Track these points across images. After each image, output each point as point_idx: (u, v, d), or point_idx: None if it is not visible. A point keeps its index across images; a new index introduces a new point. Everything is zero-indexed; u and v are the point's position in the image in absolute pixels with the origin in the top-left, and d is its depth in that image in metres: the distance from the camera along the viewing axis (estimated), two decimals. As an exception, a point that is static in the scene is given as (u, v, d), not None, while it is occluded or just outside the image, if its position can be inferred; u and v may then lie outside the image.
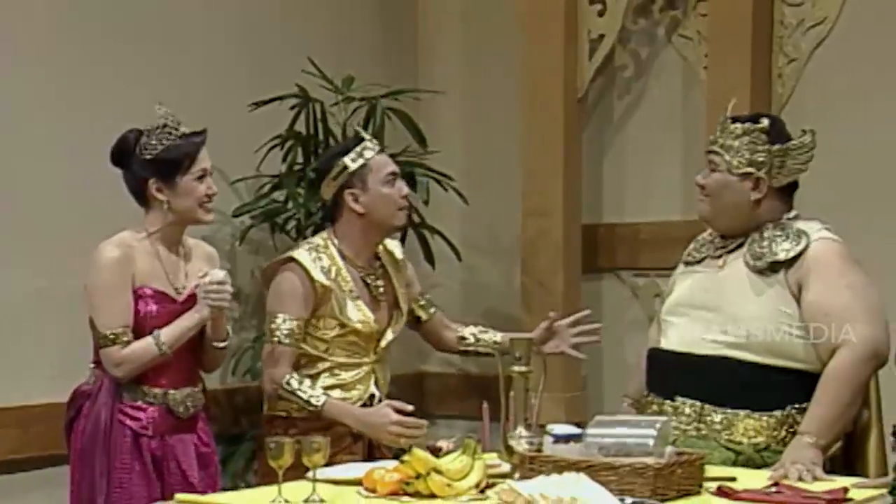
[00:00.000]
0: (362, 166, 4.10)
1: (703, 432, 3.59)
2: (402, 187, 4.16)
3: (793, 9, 5.03)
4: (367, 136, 4.21)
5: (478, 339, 4.36)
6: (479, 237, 5.68)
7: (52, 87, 4.56)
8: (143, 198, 3.85)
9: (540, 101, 5.32)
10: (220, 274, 3.84)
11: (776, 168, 3.66)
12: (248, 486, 4.98)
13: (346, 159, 4.11)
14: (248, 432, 4.93)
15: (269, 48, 5.21)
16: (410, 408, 4.04)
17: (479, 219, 5.60)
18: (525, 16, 5.35)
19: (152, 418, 3.80)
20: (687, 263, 3.84)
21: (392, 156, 5.08)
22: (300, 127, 5.01)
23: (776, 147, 3.66)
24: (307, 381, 4.03)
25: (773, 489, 3.22)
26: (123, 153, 3.84)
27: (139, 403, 3.80)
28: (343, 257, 4.09)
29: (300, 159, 5.01)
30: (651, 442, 3.08)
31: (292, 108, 5.02)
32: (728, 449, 3.56)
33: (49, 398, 4.28)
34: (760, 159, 3.65)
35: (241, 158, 5.04)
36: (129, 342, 3.75)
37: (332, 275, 4.05)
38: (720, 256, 3.73)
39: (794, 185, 3.75)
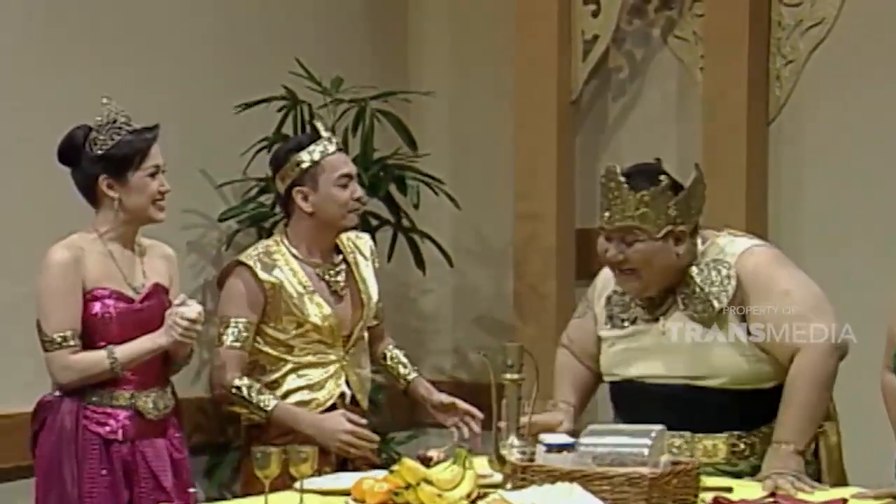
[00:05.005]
0: (314, 164, 4.09)
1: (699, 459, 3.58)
2: (356, 190, 4.14)
3: (790, 9, 5.04)
4: (324, 134, 4.19)
5: (396, 364, 4.36)
6: (470, 242, 5.68)
7: (30, 88, 4.55)
8: (93, 196, 3.82)
9: (533, 103, 5.33)
10: (195, 311, 3.78)
11: (684, 214, 3.58)
12: (235, 496, 4.98)
13: (300, 155, 4.10)
14: (234, 442, 4.92)
15: (256, 49, 5.20)
16: (364, 421, 4.05)
17: (470, 223, 5.60)
18: (517, 16, 5.36)
19: (123, 424, 3.78)
20: (614, 325, 3.74)
21: (382, 159, 5.11)
22: (288, 129, 5.00)
23: (680, 195, 3.59)
24: (257, 387, 4.03)
25: (770, 500, 3.23)
26: (72, 150, 3.81)
27: (106, 409, 3.78)
28: (295, 257, 4.11)
29: (288, 162, 5.01)
30: (646, 451, 3.08)
31: (279, 110, 5.02)
32: (726, 473, 3.55)
33: (27, 407, 4.27)
34: (674, 213, 3.56)
35: (227, 161, 5.04)
36: (76, 347, 3.73)
37: (284, 273, 4.07)
38: (657, 319, 3.67)
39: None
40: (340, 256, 4.21)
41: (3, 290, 4.44)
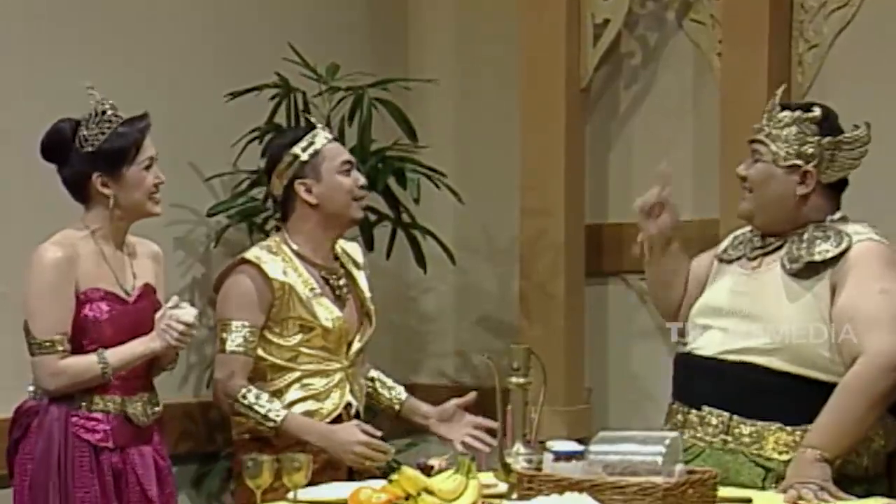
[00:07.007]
0: (314, 154, 4.12)
1: (731, 445, 3.58)
2: (359, 178, 4.18)
3: (814, -10, 5.03)
4: (318, 124, 4.24)
5: (384, 386, 4.34)
6: (474, 238, 5.68)
7: (13, 78, 4.55)
8: (84, 194, 3.82)
9: (540, 91, 5.32)
10: (191, 314, 3.79)
11: (826, 161, 3.65)
12: (224, 508, 4.99)
13: (297, 149, 4.13)
14: (223, 450, 4.92)
15: (247, 33, 5.20)
16: (379, 433, 4.04)
17: (474, 218, 5.59)
18: (523, -1, 5.36)
19: (111, 428, 3.78)
20: (721, 261, 3.83)
21: (380, 150, 5.10)
22: (280, 119, 5.00)
23: (827, 139, 3.65)
24: (265, 396, 4.01)
25: (793, 511, 3.22)
26: (59, 146, 3.80)
27: (95, 414, 3.78)
28: (299, 257, 4.10)
29: (280, 154, 5.00)
30: (660, 460, 3.07)
31: (272, 98, 5.02)
32: (757, 465, 3.55)
33: (6, 413, 4.26)
34: (810, 151, 3.65)
35: (216, 153, 5.04)
36: (66, 352, 3.73)
37: (290, 274, 4.05)
38: (756, 258, 3.72)
39: (842, 184, 3.74)
40: (338, 262, 4.21)
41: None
